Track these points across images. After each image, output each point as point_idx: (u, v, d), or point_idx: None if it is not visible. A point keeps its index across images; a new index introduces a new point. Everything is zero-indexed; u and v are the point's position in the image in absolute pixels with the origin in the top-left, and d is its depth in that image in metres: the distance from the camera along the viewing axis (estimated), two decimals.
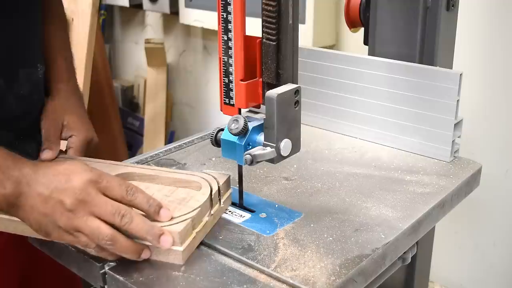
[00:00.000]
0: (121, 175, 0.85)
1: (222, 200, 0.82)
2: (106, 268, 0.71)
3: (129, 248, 0.70)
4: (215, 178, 0.83)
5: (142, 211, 0.72)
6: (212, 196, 0.79)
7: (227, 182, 0.84)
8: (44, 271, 1.03)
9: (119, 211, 0.69)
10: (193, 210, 0.75)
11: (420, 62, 1.05)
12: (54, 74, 0.98)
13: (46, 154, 0.86)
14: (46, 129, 0.90)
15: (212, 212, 0.79)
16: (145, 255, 0.71)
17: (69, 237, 0.70)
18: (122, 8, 2.51)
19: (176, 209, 0.76)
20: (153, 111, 2.35)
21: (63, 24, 1.06)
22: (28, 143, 0.91)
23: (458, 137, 1.00)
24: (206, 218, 0.78)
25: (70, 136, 0.92)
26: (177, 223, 0.72)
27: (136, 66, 2.57)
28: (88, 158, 0.90)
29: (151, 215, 0.72)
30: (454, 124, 0.97)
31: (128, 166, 0.88)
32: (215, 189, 0.80)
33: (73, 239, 0.70)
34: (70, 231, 0.69)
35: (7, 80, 0.89)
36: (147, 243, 0.71)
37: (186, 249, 0.72)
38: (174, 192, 0.82)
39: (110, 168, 0.85)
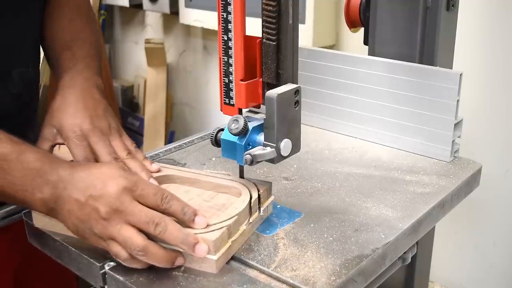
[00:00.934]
0: (162, 177, 0.84)
1: (262, 208, 0.80)
2: (106, 268, 0.71)
3: (161, 257, 0.68)
4: (255, 185, 0.80)
5: (177, 218, 0.70)
6: (251, 204, 0.77)
7: (268, 190, 0.82)
8: (39, 272, 1.03)
9: (153, 220, 0.67)
10: (230, 218, 0.73)
11: (420, 62, 1.05)
12: (58, 71, 0.94)
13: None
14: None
15: (250, 221, 0.77)
16: (178, 262, 0.70)
17: (104, 244, 0.69)
18: (122, 8, 2.51)
19: (214, 215, 0.75)
20: (153, 111, 2.35)
21: (77, 16, 1.01)
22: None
23: (458, 137, 1.00)
24: (243, 227, 0.75)
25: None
26: (213, 230, 0.70)
27: (136, 66, 2.57)
28: None
29: (186, 223, 0.71)
30: (454, 124, 0.97)
31: (169, 168, 0.87)
32: (254, 196, 0.78)
33: (106, 246, 0.69)
34: (105, 238, 0.68)
35: (1, 79, 0.89)
36: (181, 249, 0.70)
37: (221, 258, 0.70)
38: (214, 197, 0.81)
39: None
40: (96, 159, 0.83)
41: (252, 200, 0.77)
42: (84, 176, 0.70)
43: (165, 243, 0.69)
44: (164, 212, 0.69)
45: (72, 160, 0.83)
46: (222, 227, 0.71)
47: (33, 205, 0.72)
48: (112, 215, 0.67)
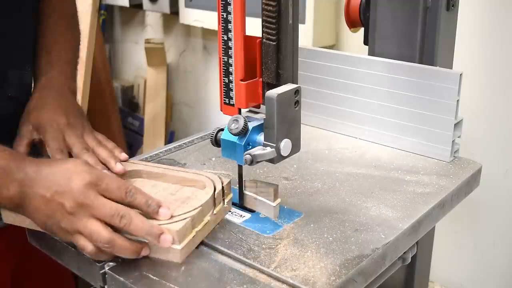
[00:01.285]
0: (129, 171, 0.87)
1: (226, 200, 0.82)
2: (106, 268, 0.72)
3: (127, 249, 0.70)
4: (220, 178, 0.83)
5: (141, 211, 0.72)
6: (215, 196, 0.79)
7: (276, 192, 0.83)
8: (36, 272, 1.03)
9: (117, 213, 0.69)
10: (193, 210, 0.75)
11: (420, 62, 1.05)
12: (36, 73, 0.98)
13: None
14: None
15: (214, 212, 0.79)
16: (144, 253, 0.72)
17: (71, 238, 0.71)
18: (122, 8, 2.51)
19: (179, 207, 0.77)
20: (153, 111, 2.35)
21: (61, 18, 1.04)
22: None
23: (458, 137, 1.00)
24: (207, 218, 0.78)
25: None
26: (176, 221, 0.73)
27: (136, 66, 2.57)
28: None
29: (151, 215, 0.73)
30: (454, 124, 0.97)
31: (136, 164, 0.90)
32: (218, 188, 0.80)
33: (73, 240, 0.71)
34: (72, 233, 0.70)
35: None
36: (146, 240, 0.72)
37: (185, 247, 0.73)
38: (180, 190, 0.83)
39: None
40: (70, 151, 0.87)
41: (216, 192, 0.79)
42: (49, 172, 0.71)
43: (130, 234, 0.71)
44: (128, 205, 0.71)
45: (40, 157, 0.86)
46: (186, 218, 0.73)
47: (1, 203, 0.74)
48: (78, 209, 0.69)
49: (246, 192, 0.85)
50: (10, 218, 0.79)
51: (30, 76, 0.99)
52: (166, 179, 0.86)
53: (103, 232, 0.68)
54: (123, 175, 0.86)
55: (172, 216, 0.74)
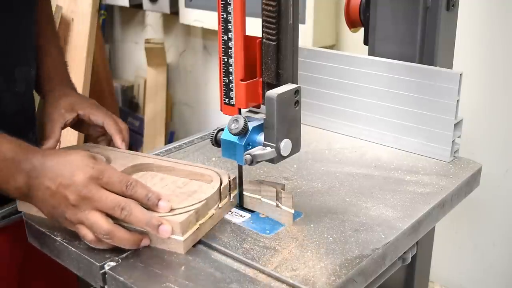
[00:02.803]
0: (140, 165, 0.89)
1: (232, 195, 0.84)
2: (106, 268, 0.72)
3: (126, 240, 0.73)
4: (227, 173, 0.85)
5: (142, 203, 0.75)
6: (221, 190, 0.81)
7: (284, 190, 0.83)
8: (41, 269, 1.03)
9: (118, 204, 0.72)
10: (198, 202, 0.77)
11: (420, 62, 1.05)
12: (46, 73, 1.03)
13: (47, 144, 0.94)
14: (51, 122, 0.96)
15: (220, 206, 0.81)
16: (144, 243, 0.75)
17: (74, 227, 0.74)
18: (122, 8, 2.51)
19: (185, 200, 0.78)
20: (153, 111, 2.35)
21: (48, 19, 1.10)
22: (21, 139, 0.92)
23: (458, 137, 1.00)
24: (212, 211, 0.79)
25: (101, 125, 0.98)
26: (180, 213, 0.74)
27: (136, 66, 2.57)
28: (110, 148, 0.96)
29: (150, 207, 0.75)
30: (454, 124, 0.97)
31: (147, 157, 0.92)
32: (225, 182, 0.82)
33: (76, 229, 0.74)
34: (75, 223, 0.73)
35: (5, 78, 0.92)
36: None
37: (188, 239, 0.74)
38: (188, 184, 0.84)
39: (131, 158, 0.90)
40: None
41: (222, 186, 0.81)
42: (54, 165, 0.74)
43: (131, 225, 0.73)
44: (130, 198, 0.74)
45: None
46: (190, 210, 0.75)
47: (9, 193, 0.77)
48: (81, 202, 0.72)
49: (246, 194, 0.85)
50: (24, 206, 0.83)
51: (34, 73, 1.03)
52: (175, 173, 0.87)
53: (103, 224, 0.71)
54: (133, 167, 0.89)
55: (172, 209, 0.75)
